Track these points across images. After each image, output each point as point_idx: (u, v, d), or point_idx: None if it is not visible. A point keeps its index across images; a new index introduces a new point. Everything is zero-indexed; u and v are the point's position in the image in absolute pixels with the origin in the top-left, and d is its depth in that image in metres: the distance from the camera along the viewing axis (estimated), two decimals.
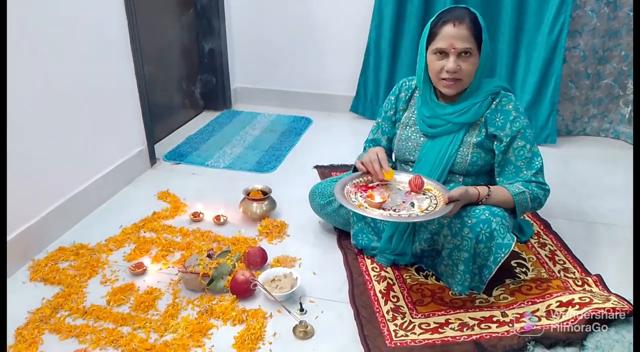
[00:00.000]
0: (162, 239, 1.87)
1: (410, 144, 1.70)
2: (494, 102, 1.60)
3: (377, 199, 1.48)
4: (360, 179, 1.62)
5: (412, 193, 1.54)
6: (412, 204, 1.49)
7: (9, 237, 1.65)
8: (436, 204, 1.48)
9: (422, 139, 1.68)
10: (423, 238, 1.64)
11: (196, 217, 2.00)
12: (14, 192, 1.62)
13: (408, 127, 1.72)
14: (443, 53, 1.54)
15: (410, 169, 1.71)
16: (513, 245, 1.46)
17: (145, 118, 2.36)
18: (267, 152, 2.66)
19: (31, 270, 1.70)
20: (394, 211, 1.45)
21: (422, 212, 1.45)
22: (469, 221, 1.49)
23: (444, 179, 1.64)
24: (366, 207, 1.46)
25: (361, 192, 1.55)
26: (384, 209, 1.46)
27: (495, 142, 1.61)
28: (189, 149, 2.68)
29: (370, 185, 1.59)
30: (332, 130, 2.98)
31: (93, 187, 2.06)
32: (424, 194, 1.53)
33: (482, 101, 1.59)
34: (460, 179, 1.66)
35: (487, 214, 1.48)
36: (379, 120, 1.83)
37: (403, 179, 1.60)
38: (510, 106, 1.58)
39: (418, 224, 1.65)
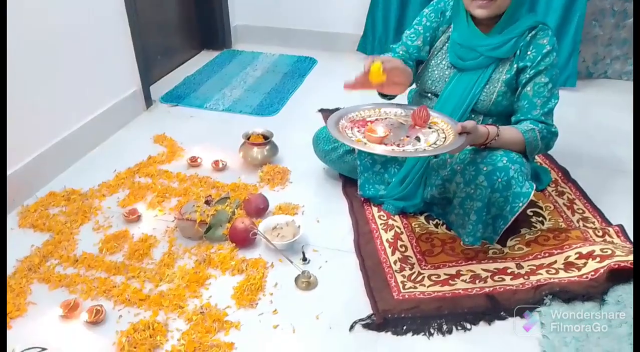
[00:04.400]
0: (157, 185, 1.80)
1: (437, 72, 1.58)
2: (529, 35, 1.47)
3: (380, 132, 1.32)
4: (356, 113, 1.47)
5: (417, 127, 1.39)
6: (418, 139, 1.34)
7: None
8: (444, 138, 1.34)
9: (448, 70, 1.56)
10: (434, 183, 1.56)
11: (194, 162, 1.93)
12: None
13: (440, 54, 1.59)
14: None
15: (431, 103, 1.58)
16: (532, 194, 1.37)
17: (138, 57, 2.24)
18: (269, 94, 2.56)
19: (20, 216, 1.63)
20: (398, 146, 1.31)
21: (429, 146, 1.31)
22: (485, 168, 1.39)
23: (466, 117, 1.52)
24: (365, 143, 1.32)
25: (358, 128, 1.40)
26: (385, 145, 1.31)
27: (520, 76, 1.49)
28: (186, 90, 2.58)
29: (369, 119, 1.44)
30: (338, 72, 2.80)
31: (84, 130, 1.97)
32: (429, 128, 1.39)
33: (518, 36, 1.47)
34: (480, 118, 1.55)
35: (504, 161, 1.38)
36: (407, 33, 1.63)
37: (405, 112, 1.46)
38: (545, 41, 1.46)
39: (430, 168, 1.55)
